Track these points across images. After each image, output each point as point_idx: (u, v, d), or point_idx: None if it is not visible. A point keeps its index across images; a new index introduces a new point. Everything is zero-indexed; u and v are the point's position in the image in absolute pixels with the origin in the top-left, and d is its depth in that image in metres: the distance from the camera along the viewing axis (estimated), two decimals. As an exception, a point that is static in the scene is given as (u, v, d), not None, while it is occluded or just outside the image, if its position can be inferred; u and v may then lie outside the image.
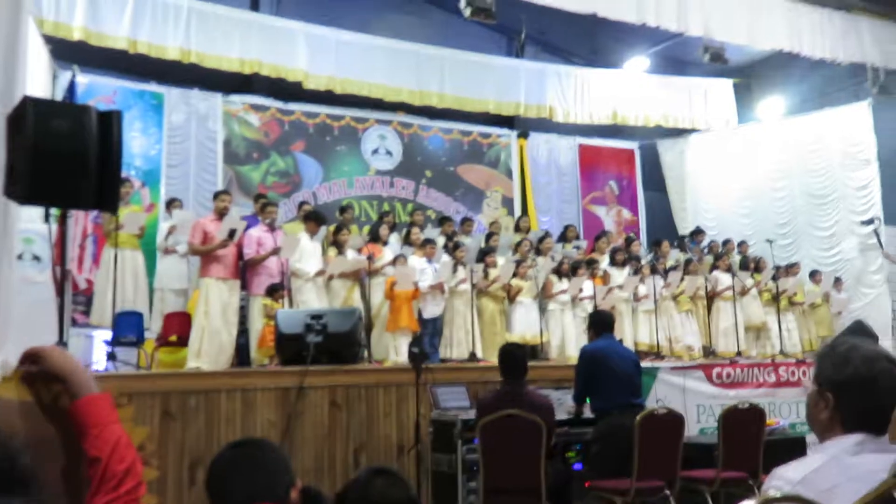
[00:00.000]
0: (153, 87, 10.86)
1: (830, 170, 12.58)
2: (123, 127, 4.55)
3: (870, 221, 11.80)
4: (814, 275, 11.69)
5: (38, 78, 8.43)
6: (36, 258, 6.86)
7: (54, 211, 4.99)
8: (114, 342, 7.24)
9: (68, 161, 4.28)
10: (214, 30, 10.55)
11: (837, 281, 11.84)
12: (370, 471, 2.29)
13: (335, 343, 6.69)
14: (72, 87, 9.17)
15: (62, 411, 1.54)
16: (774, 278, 10.75)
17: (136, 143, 10.36)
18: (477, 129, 13.35)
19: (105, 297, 8.17)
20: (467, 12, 9.07)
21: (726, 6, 9.96)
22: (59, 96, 9.36)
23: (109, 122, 4.51)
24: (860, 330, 9.66)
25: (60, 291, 4.97)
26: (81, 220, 7.38)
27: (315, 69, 11.19)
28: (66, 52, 9.75)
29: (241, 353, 8.03)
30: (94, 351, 8.36)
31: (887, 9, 11.11)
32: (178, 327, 8.10)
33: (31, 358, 1.54)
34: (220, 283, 7.75)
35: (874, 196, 11.90)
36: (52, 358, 1.52)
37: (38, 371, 1.52)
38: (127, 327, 7.74)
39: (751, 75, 13.82)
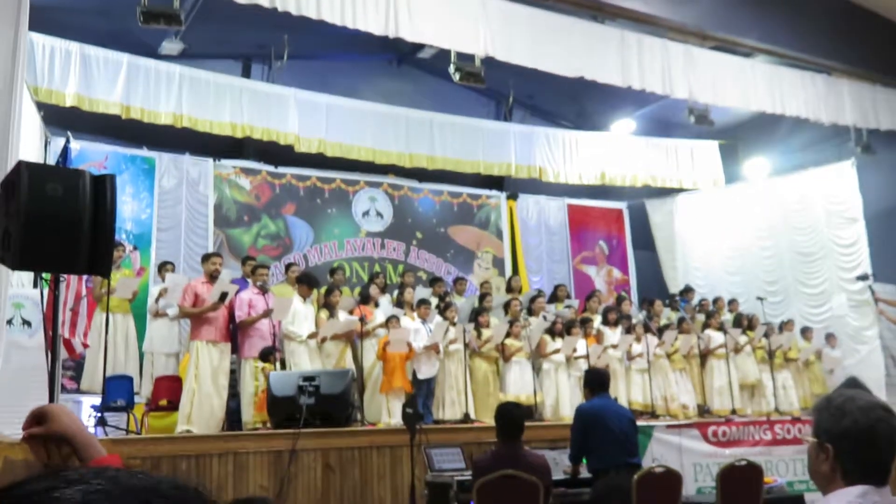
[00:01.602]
0: (144, 152, 10.95)
1: (817, 228, 12.71)
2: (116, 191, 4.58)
3: (864, 277, 11.88)
4: (805, 332, 11.71)
5: (30, 144, 8.49)
6: (26, 323, 6.81)
7: (45, 275, 4.97)
8: (103, 407, 7.15)
9: (62, 225, 4.29)
10: (206, 95, 10.70)
11: (830, 337, 11.86)
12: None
13: (328, 405, 6.64)
14: (65, 153, 9.24)
15: None
16: (766, 335, 10.76)
17: (126, 208, 10.40)
18: (466, 190, 13.48)
19: (96, 362, 8.12)
20: (457, 77, 9.24)
21: (710, 69, 10.17)
22: (50, 162, 9.42)
23: (103, 186, 4.53)
24: (854, 386, 9.66)
25: (52, 356, 4.92)
26: (74, 284, 7.35)
27: (306, 133, 11.34)
28: (58, 117, 9.85)
29: (232, 416, 7.94)
30: (81, 417, 8.24)
31: (867, 71, 11.38)
32: (168, 391, 8.02)
33: (38, 418, 1.51)
34: (210, 347, 7.70)
35: (862, 253, 12.00)
36: (58, 419, 1.50)
37: (44, 432, 1.50)
38: (116, 392, 7.65)
39: (736, 136, 14.05)
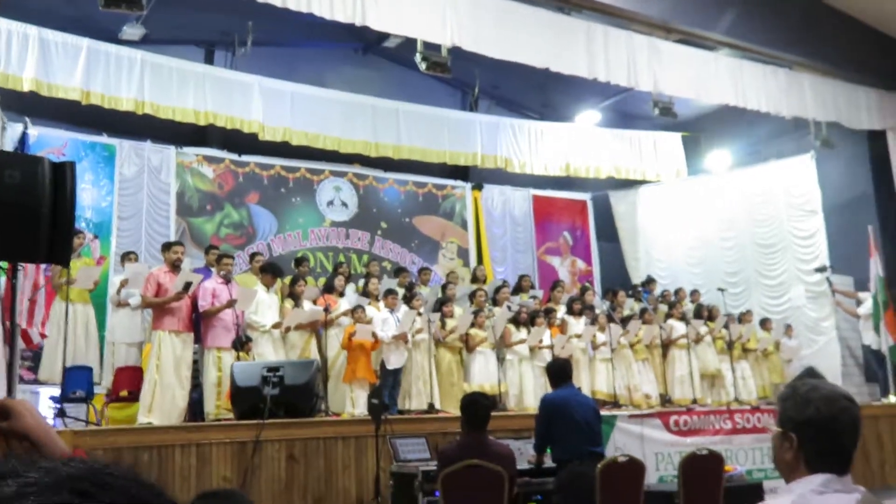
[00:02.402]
0: (105, 139, 10.76)
1: (777, 220, 12.91)
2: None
3: (822, 269, 12.10)
4: (764, 322, 11.90)
5: (-13, 129, 8.32)
6: (-18, 313, 6.67)
7: (2, 264, 4.86)
8: (62, 398, 7.03)
9: (20, 213, 4.20)
10: (169, 81, 10.53)
11: (788, 328, 12.07)
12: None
13: (292, 395, 6.60)
14: (23, 139, 9.05)
15: None
16: (726, 326, 10.92)
17: (86, 195, 10.22)
18: (432, 180, 13.47)
19: (55, 353, 7.98)
20: (423, 66, 9.19)
21: (674, 63, 10.25)
22: (8, 148, 9.21)
23: (63, 174, 4.45)
24: (812, 376, 9.85)
25: (10, 347, 4.83)
26: (32, 273, 7.21)
27: (270, 121, 11.21)
28: (15, 102, 9.65)
29: (195, 407, 7.86)
30: (39, 408, 8.10)
31: (828, 66, 11.55)
32: (129, 382, 7.91)
33: (1, 412, 1.48)
34: (173, 337, 7.61)
35: (820, 245, 12.21)
36: (21, 417, 1.46)
37: (7, 428, 1.46)
38: (76, 382, 7.52)
39: (699, 128, 14.19)
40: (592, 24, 9.71)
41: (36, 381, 8.51)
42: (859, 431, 1.99)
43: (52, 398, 7.62)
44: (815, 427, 1.94)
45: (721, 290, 11.76)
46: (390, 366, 8.75)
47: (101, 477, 0.73)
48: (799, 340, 12.12)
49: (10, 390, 5.03)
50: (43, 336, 7.88)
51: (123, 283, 8.72)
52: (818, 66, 11.46)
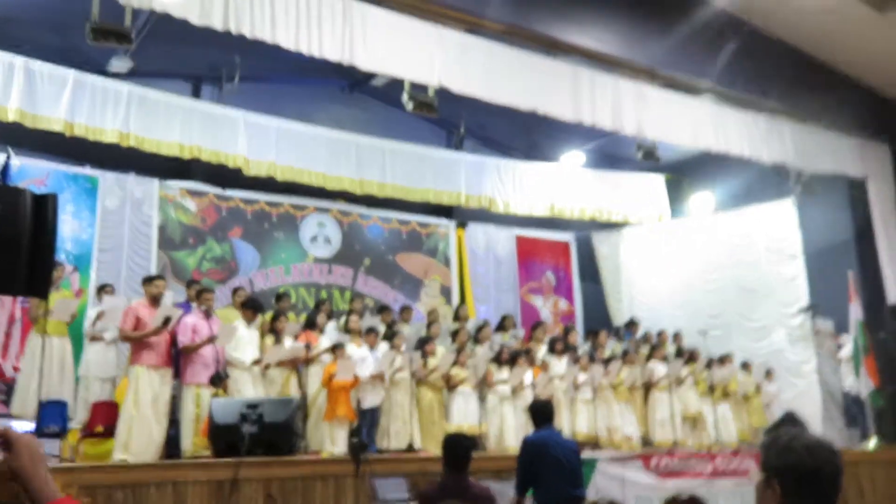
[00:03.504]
0: (87, 171, 10.71)
1: (758, 263, 12.99)
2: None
3: (807, 309, 12.15)
4: (745, 365, 11.92)
5: (-30, 159, 8.26)
6: (-43, 344, 6.58)
7: (-20, 295, 4.81)
8: (37, 433, 6.90)
9: None
10: (155, 114, 10.52)
11: (768, 373, 12.08)
12: None
13: (271, 433, 6.52)
14: (6, 169, 8.99)
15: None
16: (708, 368, 10.92)
17: (67, 227, 10.13)
18: (416, 218, 13.48)
19: (29, 387, 7.85)
20: (410, 106, 9.25)
21: (658, 108, 10.36)
22: (-11, 178, 9.16)
23: (45, 206, 4.41)
24: (792, 420, 9.86)
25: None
26: (8, 305, 7.12)
27: (255, 156, 11.22)
28: (-1, 133, 9.61)
29: (171, 444, 7.73)
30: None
31: (808, 114, 11.72)
32: (105, 417, 7.77)
33: (5, 443, 1.45)
34: (151, 372, 7.50)
35: (801, 289, 12.29)
36: (20, 456, 1.43)
37: (2, 461, 1.44)
38: (50, 417, 7.39)
39: (682, 172, 14.32)
40: (579, 68, 9.82)
41: (8, 416, 8.35)
42: (841, 482, 2.00)
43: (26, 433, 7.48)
44: (799, 476, 1.95)
45: (702, 332, 11.79)
46: (365, 405, 8.67)
47: None
48: (779, 384, 12.14)
49: (-18, 424, 4.94)
50: (16, 370, 7.75)
51: (99, 316, 8.62)
52: (799, 113, 11.63)
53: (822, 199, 12.48)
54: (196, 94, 11.93)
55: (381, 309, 10.82)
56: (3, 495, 1.45)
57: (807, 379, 12.16)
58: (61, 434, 7.50)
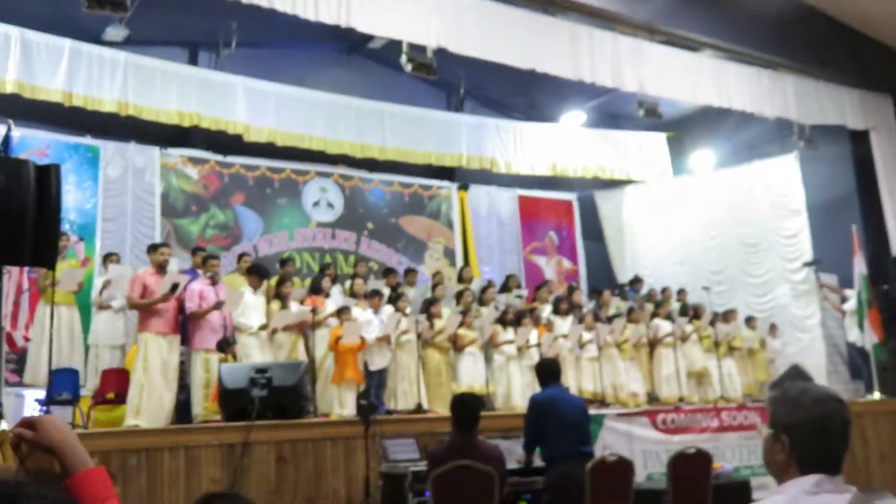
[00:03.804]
0: (88, 140, 10.69)
1: (761, 219, 12.98)
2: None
3: (811, 263, 12.17)
4: (749, 321, 11.96)
5: (-30, 131, 8.24)
6: (-34, 315, 6.62)
7: (-13, 267, 4.84)
8: (48, 401, 6.98)
9: (4, 216, 4.17)
10: (152, 83, 10.45)
11: (772, 328, 12.13)
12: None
13: (281, 397, 6.59)
14: (6, 141, 8.97)
15: (55, 483, 1.50)
16: (712, 324, 10.97)
17: (70, 197, 10.14)
18: (418, 181, 13.46)
19: (39, 356, 7.93)
20: (409, 68, 9.19)
21: (659, 64, 10.30)
22: (-10, 150, 9.14)
23: (48, 176, 4.41)
24: (797, 374, 9.93)
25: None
26: (15, 276, 7.15)
27: (255, 122, 11.17)
28: (-3, 104, 9.58)
29: (182, 409, 7.83)
30: (25, 411, 8.05)
31: (811, 67, 11.63)
32: (116, 384, 7.86)
33: (28, 427, 1.50)
34: (159, 339, 7.58)
35: (804, 244, 12.30)
36: (48, 431, 1.49)
37: (34, 439, 1.49)
38: (62, 385, 7.49)
39: (684, 129, 14.26)
40: (577, 25, 9.74)
41: (21, 384, 8.45)
42: (849, 432, 2.02)
43: (38, 401, 7.57)
44: (807, 429, 1.97)
45: (706, 288, 11.83)
46: (372, 367, 8.74)
47: (9, 490, 0.71)
48: (783, 340, 12.20)
49: (-4, 394, 5.01)
50: (26, 339, 7.82)
51: (106, 285, 8.67)
52: (801, 67, 11.54)
53: (825, 153, 12.43)
54: (193, 61, 11.85)
55: (386, 272, 10.86)
56: (41, 463, 1.49)
57: (811, 333, 12.21)
58: (73, 401, 7.59)
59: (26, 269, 7.52)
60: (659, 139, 14.18)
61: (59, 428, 1.50)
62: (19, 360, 8.65)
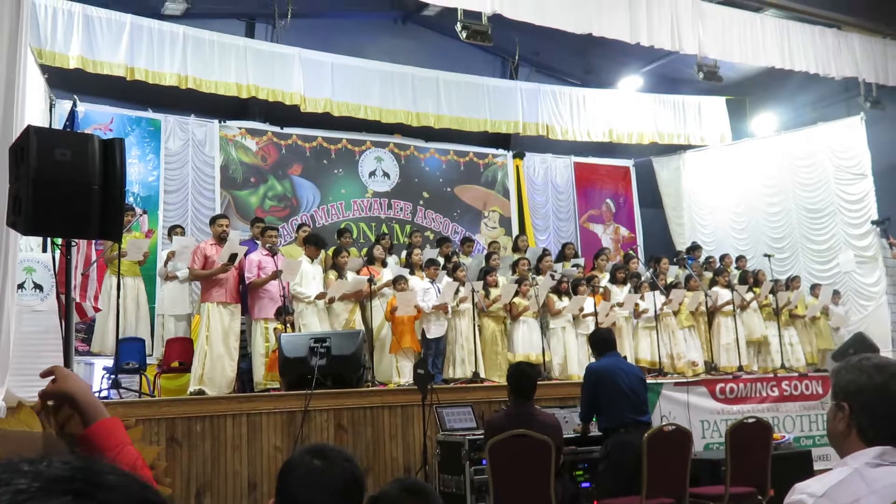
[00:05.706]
0: (150, 114, 10.91)
1: (825, 183, 12.65)
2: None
3: (880, 222, 11.82)
4: (813, 288, 11.72)
5: (36, 107, 8.46)
6: (37, 287, 6.84)
7: (57, 240, 4.98)
8: (116, 369, 7.21)
9: (72, 190, 4.28)
10: (210, 56, 10.61)
11: (836, 294, 11.86)
12: (401, 486, 2.27)
13: (339, 366, 6.69)
14: (72, 116, 9.20)
15: (71, 437, 1.56)
16: (773, 292, 10.77)
17: (133, 170, 10.38)
18: (473, 149, 13.42)
19: (107, 325, 8.18)
20: (464, 35, 9.14)
21: (719, 25, 10.05)
22: (55, 125, 9.38)
23: (112, 151, 4.52)
24: (861, 342, 9.72)
25: (65, 320, 4.95)
26: (84, 247, 7.35)
27: (311, 93, 11.26)
28: (62, 80, 9.81)
29: (243, 377, 8.01)
30: (94, 379, 8.33)
31: (878, 25, 11.22)
32: (180, 353, 8.09)
33: (49, 375, 1.58)
34: (221, 308, 7.75)
35: (870, 209, 11.96)
36: (66, 380, 1.55)
37: (54, 389, 1.55)
38: (129, 354, 7.72)
39: (744, 92, 13.92)
40: (635, -13, 9.55)
41: (89, 353, 8.73)
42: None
43: (106, 369, 7.82)
44: (867, 394, 1.93)
45: (767, 255, 11.60)
46: (430, 335, 8.80)
47: (94, 476, 0.70)
48: (847, 307, 11.92)
49: (66, 362, 5.18)
50: (97, 309, 8.06)
51: (170, 256, 8.88)
52: (867, 24, 11.13)
53: (892, 114, 12.02)
54: (250, 33, 11.95)
55: (442, 241, 10.89)
56: (60, 418, 1.56)
57: (876, 301, 11.92)
58: (140, 370, 7.82)
59: (93, 241, 7.72)
60: (718, 103, 13.88)
61: (75, 378, 1.56)
62: (87, 330, 8.94)
